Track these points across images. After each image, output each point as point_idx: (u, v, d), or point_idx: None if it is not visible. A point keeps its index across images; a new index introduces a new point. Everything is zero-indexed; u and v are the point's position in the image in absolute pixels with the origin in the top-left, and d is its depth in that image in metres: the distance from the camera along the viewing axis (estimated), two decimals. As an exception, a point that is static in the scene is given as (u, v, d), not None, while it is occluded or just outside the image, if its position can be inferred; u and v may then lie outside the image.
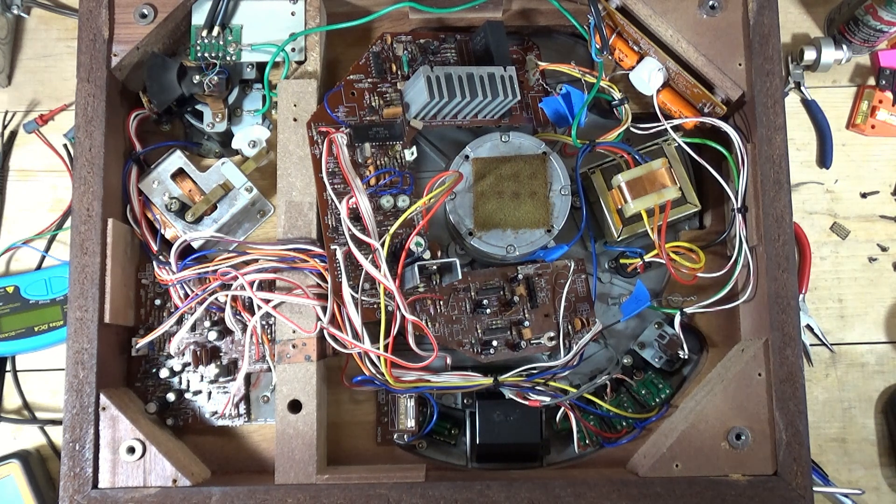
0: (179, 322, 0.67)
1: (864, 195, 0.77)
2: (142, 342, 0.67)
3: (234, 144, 0.70)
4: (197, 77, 0.67)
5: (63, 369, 0.63)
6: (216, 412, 0.68)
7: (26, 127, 0.77)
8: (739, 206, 0.67)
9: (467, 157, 0.67)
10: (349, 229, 0.62)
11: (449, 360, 0.67)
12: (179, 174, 0.69)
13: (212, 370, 0.67)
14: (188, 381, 0.68)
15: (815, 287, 0.76)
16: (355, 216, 0.63)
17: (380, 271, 0.61)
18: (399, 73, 0.69)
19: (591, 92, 0.68)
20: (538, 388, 0.66)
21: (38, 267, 0.76)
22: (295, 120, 0.66)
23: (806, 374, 0.73)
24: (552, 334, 0.67)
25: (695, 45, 0.67)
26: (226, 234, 0.69)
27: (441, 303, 0.66)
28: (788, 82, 0.78)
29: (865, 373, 0.75)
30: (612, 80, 0.70)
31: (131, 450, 0.62)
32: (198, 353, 0.67)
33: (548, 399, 0.65)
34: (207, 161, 0.71)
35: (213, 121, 0.69)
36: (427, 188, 0.63)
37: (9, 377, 0.74)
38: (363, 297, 0.63)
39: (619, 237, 0.68)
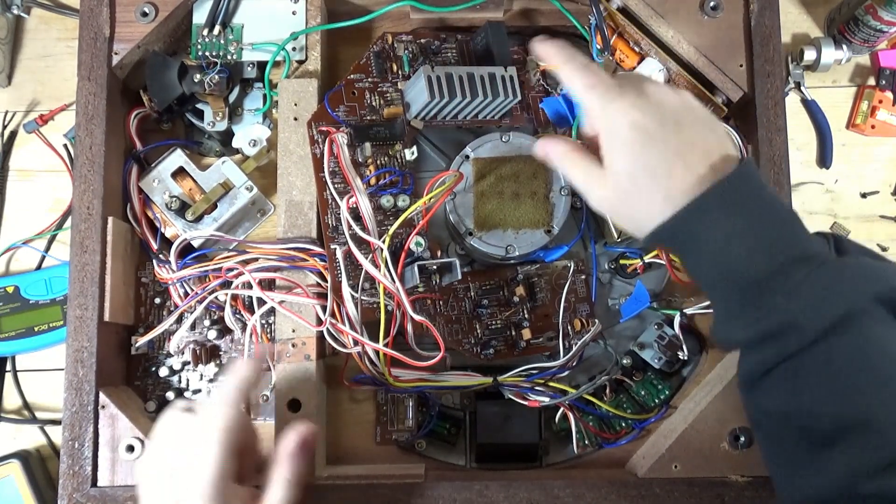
0: (179, 321, 0.67)
1: (864, 195, 0.77)
2: (141, 341, 0.66)
3: (235, 143, 0.70)
4: (198, 76, 0.67)
5: (63, 369, 0.63)
6: (215, 411, 0.68)
7: (26, 127, 0.77)
8: (739, 206, 0.67)
9: (468, 157, 0.67)
10: (349, 228, 0.62)
11: (448, 360, 0.67)
12: (180, 173, 0.69)
13: (211, 369, 0.67)
14: (187, 380, 0.68)
15: (815, 288, 0.75)
16: (355, 216, 0.63)
17: (380, 271, 0.61)
18: (400, 72, 0.69)
19: (592, 92, 0.68)
20: (537, 388, 0.66)
21: (38, 267, 0.76)
22: (295, 119, 0.66)
23: (806, 374, 0.72)
24: (552, 335, 0.67)
25: (696, 46, 0.67)
26: (226, 232, 0.69)
27: (441, 303, 0.66)
28: (788, 82, 0.78)
29: (865, 374, 0.74)
30: (613, 81, 0.70)
31: (130, 448, 0.62)
32: (197, 351, 0.67)
33: (547, 399, 0.65)
34: (208, 160, 0.71)
35: (213, 120, 0.69)
36: (427, 188, 0.63)
37: (9, 377, 0.74)
38: (363, 297, 0.63)
39: (618, 238, 0.68)
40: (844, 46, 0.77)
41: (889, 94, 0.77)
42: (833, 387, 0.45)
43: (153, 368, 0.68)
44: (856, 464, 0.43)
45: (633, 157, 0.49)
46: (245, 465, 0.53)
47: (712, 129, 0.50)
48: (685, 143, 0.49)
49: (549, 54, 0.55)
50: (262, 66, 0.69)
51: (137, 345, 0.67)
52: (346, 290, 0.62)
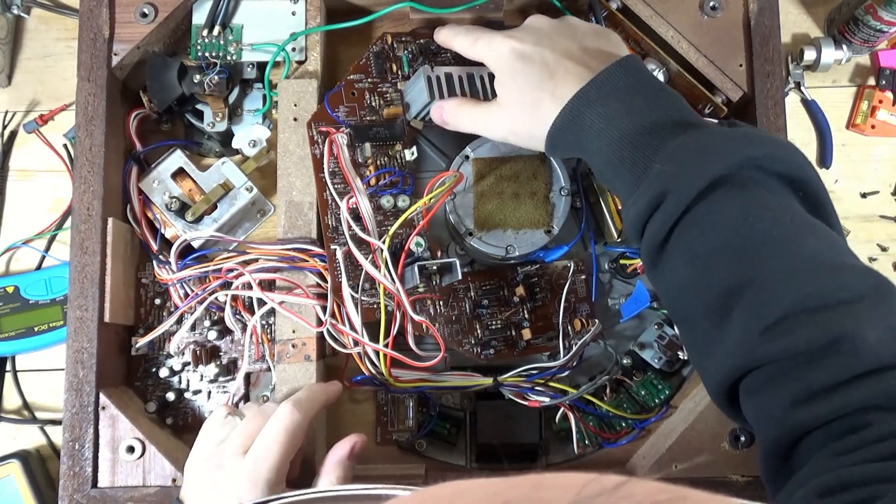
0: (179, 321, 0.67)
1: (864, 195, 0.77)
2: (141, 341, 0.66)
3: (235, 144, 0.70)
4: (197, 76, 0.67)
5: (63, 369, 0.63)
6: (216, 412, 0.68)
7: (26, 127, 0.77)
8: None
9: (467, 157, 0.67)
10: (349, 229, 0.62)
11: (448, 360, 0.67)
12: (180, 173, 0.69)
13: (211, 370, 0.67)
14: (188, 381, 0.68)
15: (815, 288, 0.75)
16: (355, 216, 0.63)
17: (380, 271, 0.61)
18: (399, 73, 0.69)
19: (592, 92, 0.69)
20: (538, 388, 0.66)
21: (38, 267, 0.76)
22: (295, 120, 0.66)
23: (806, 374, 0.72)
24: (552, 335, 0.67)
25: (695, 46, 0.67)
26: (226, 233, 0.69)
27: (441, 303, 0.66)
28: (788, 82, 0.78)
29: (865, 374, 0.74)
30: (613, 81, 0.70)
31: (131, 449, 0.62)
32: (197, 352, 0.67)
33: (547, 399, 0.65)
34: (208, 160, 0.71)
35: (213, 120, 0.69)
36: (427, 188, 0.63)
37: (9, 377, 0.74)
38: (363, 297, 0.63)
39: (619, 238, 0.68)
40: (844, 46, 0.77)
41: (889, 94, 0.77)
42: (716, 249, 0.46)
43: (153, 369, 0.68)
44: (746, 328, 0.44)
45: (516, 77, 0.55)
46: (291, 470, 0.57)
47: (595, 35, 0.56)
48: (563, 51, 0.54)
49: (442, 38, 0.63)
50: (261, 66, 0.69)
51: (138, 346, 0.67)
52: (347, 291, 0.62)
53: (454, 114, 0.61)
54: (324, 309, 0.63)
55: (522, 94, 0.55)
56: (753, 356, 0.43)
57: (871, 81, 0.79)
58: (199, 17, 0.69)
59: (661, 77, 0.69)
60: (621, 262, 0.70)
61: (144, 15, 0.67)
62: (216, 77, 0.67)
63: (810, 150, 0.78)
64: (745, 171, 0.46)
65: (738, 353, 0.44)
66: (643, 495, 0.22)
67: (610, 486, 0.23)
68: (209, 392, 0.68)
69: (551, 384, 0.66)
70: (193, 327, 0.68)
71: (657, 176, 0.47)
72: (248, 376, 0.68)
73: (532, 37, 0.57)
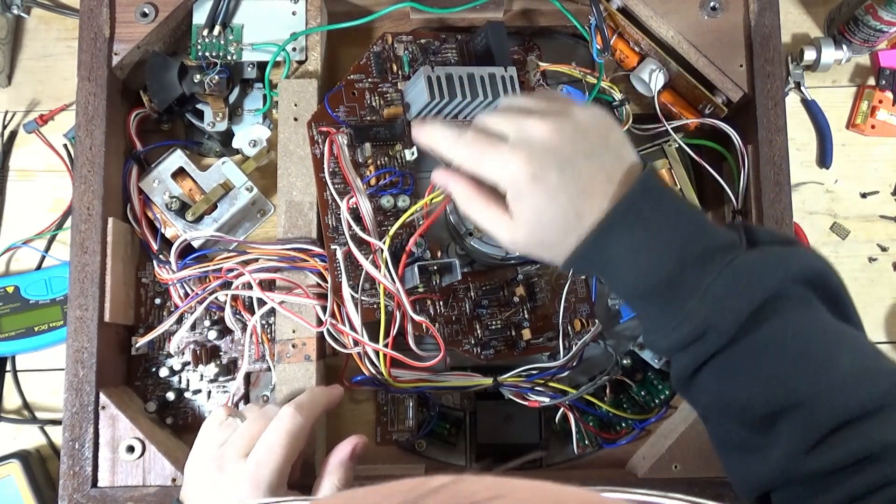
0: (179, 321, 0.67)
1: (864, 195, 0.77)
2: (141, 341, 0.66)
3: (235, 144, 0.70)
4: (198, 76, 0.67)
5: (63, 369, 0.63)
6: (216, 412, 0.68)
7: (26, 127, 0.77)
8: (739, 207, 0.67)
9: (467, 157, 0.67)
10: (350, 229, 0.62)
11: (448, 361, 0.67)
12: (180, 173, 0.69)
13: (211, 369, 0.67)
14: (188, 381, 0.68)
15: (815, 288, 0.75)
16: (356, 216, 0.63)
17: (380, 271, 0.61)
18: (400, 73, 0.69)
19: (592, 93, 0.69)
20: (537, 388, 0.66)
21: (38, 267, 0.76)
22: (295, 119, 0.66)
23: (806, 374, 0.72)
24: (552, 335, 0.67)
25: (696, 46, 0.67)
26: (226, 233, 0.69)
27: (441, 303, 0.66)
28: (788, 82, 0.78)
29: (865, 374, 0.74)
30: (613, 81, 0.71)
31: (131, 449, 0.62)
32: (197, 352, 0.67)
33: (547, 400, 0.65)
34: (208, 160, 0.71)
35: (213, 120, 0.69)
36: (429, 190, 0.63)
37: (9, 377, 0.74)
38: (363, 297, 0.63)
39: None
40: (844, 46, 0.77)
41: (889, 94, 0.77)
42: (758, 376, 0.46)
43: (153, 369, 0.68)
44: (792, 446, 0.45)
45: (540, 210, 0.49)
46: (292, 472, 0.57)
47: (607, 148, 0.50)
48: (587, 180, 0.49)
49: (425, 142, 0.54)
50: (262, 66, 0.69)
51: (138, 345, 0.67)
52: (347, 291, 0.62)
53: (465, 203, 0.53)
54: (324, 309, 0.63)
55: (544, 226, 0.50)
56: (797, 471, 0.45)
57: (871, 81, 0.79)
58: (200, 16, 0.69)
59: (661, 77, 0.69)
60: (621, 262, 0.69)
61: (145, 15, 0.67)
62: (216, 77, 0.67)
63: (810, 151, 0.78)
64: (779, 293, 0.47)
65: (781, 469, 0.45)
66: (464, 494, 0.23)
67: (434, 487, 0.23)
68: (209, 392, 0.68)
69: (551, 384, 0.66)
70: (193, 327, 0.68)
71: (694, 315, 0.47)
72: (248, 376, 0.68)
73: (552, 160, 0.49)
